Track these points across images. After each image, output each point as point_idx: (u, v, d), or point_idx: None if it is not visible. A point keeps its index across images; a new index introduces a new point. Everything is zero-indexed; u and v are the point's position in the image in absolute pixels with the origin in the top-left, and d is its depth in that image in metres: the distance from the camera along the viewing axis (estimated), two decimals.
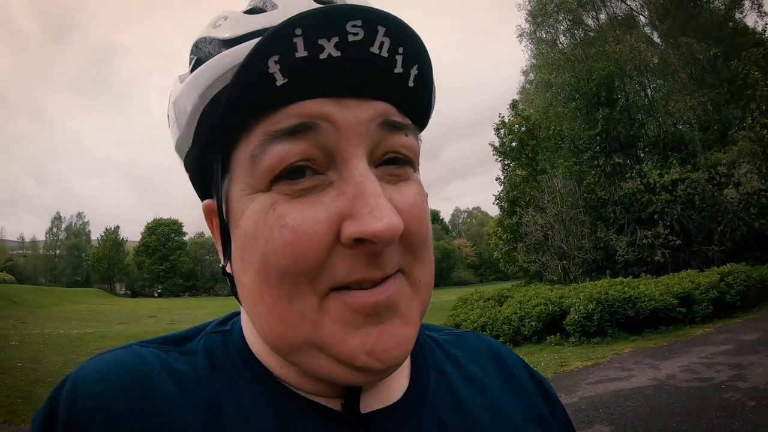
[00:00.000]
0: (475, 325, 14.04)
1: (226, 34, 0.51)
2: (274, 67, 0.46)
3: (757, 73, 21.49)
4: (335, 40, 0.46)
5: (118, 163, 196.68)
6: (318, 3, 0.50)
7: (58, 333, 19.76)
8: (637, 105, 26.07)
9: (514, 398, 0.71)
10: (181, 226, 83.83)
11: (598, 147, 24.52)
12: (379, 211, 0.46)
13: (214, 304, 44.36)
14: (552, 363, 10.04)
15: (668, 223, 21.03)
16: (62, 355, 13.39)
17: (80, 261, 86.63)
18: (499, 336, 13.27)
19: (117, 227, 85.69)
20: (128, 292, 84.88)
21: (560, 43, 27.92)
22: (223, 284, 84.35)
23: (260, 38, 0.46)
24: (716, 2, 26.66)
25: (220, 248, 0.59)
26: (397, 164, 0.53)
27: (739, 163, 19.92)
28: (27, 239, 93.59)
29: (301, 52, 0.45)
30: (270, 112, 0.48)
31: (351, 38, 0.46)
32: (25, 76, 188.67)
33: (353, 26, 0.46)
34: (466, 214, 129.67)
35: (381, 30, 0.47)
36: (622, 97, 25.29)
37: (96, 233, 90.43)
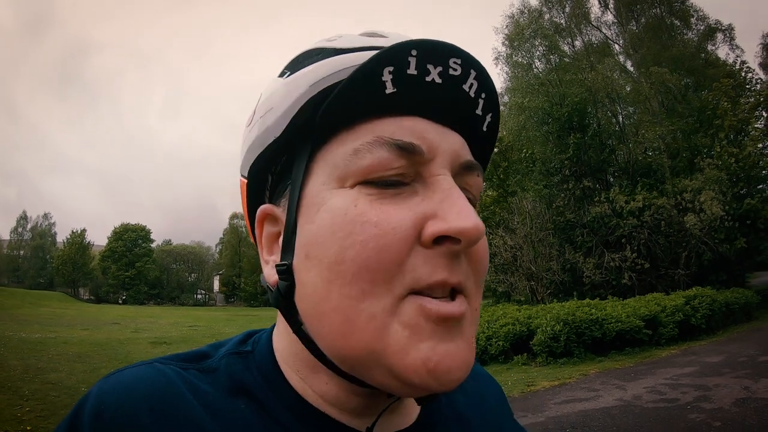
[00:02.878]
0: None
1: (344, 45, 0.56)
2: (387, 76, 0.50)
3: (726, 103, 22.05)
4: (439, 69, 0.51)
5: (86, 164, 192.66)
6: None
7: (19, 336, 19.01)
8: (608, 131, 26.40)
9: (507, 417, 0.77)
10: (149, 232, 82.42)
11: (568, 171, 24.82)
12: (467, 211, 0.49)
13: (179, 314, 43.95)
14: (519, 383, 9.98)
15: (635, 247, 21.33)
16: (22, 360, 12.84)
17: (45, 263, 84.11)
18: None
19: (83, 230, 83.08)
20: (92, 297, 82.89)
21: (535, 67, 28.30)
22: (189, 294, 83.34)
23: (380, 50, 0.51)
24: (689, 34, 27.51)
25: (270, 255, 0.60)
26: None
27: (704, 189, 20.26)
28: None
29: (411, 70, 0.50)
30: (375, 117, 0.52)
31: (451, 71, 0.52)
32: None
33: (454, 62, 0.52)
34: None
35: (473, 73, 0.53)
36: (594, 123, 25.62)
37: (62, 235, 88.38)
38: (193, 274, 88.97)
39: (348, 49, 0.55)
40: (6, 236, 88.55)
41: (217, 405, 0.55)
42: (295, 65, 0.59)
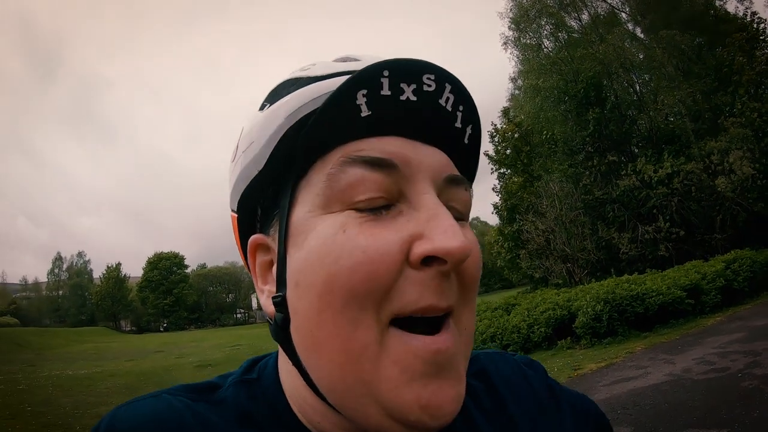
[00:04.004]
0: (483, 336, 13.88)
1: (318, 73, 0.57)
2: (361, 99, 0.50)
3: (741, 58, 21.57)
4: (413, 86, 0.51)
5: (113, 199, 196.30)
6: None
7: (67, 374, 19.42)
8: (627, 102, 26.01)
9: (528, 416, 0.71)
10: (182, 258, 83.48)
11: (591, 147, 24.56)
12: (453, 230, 0.48)
13: (221, 335, 44.37)
14: (565, 368, 9.92)
15: (668, 216, 21.05)
16: (72, 397, 13.19)
17: (84, 300, 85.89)
18: (509, 345, 13.16)
19: (118, 264, 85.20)
20: (134, 328, 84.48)
21: (545, 47, 28.00)
22: (228, 315, 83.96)
23: (352, 74, 0.51)
24: None
25: (265, 284, 0.59)
26: (455, 213, 0.55)
27: (731, 150, 19.88)
28: (29, 281, 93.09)
29: (385, 91, 0.51)
30: (351, 139, 0.52)
31: (425, 88, 0.52)
32: (12, 115, 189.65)
33: (428, 78, 0.52)
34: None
35: (448, 87, 0.53)
36: (611, 95, 25.30)
37: (98, 271, 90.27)
38: (230, 295, 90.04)
39: (322, 76, 0.56)
40: (44, 278, 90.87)
41: None
42: (273, 97, 0.60)
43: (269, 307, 0.57)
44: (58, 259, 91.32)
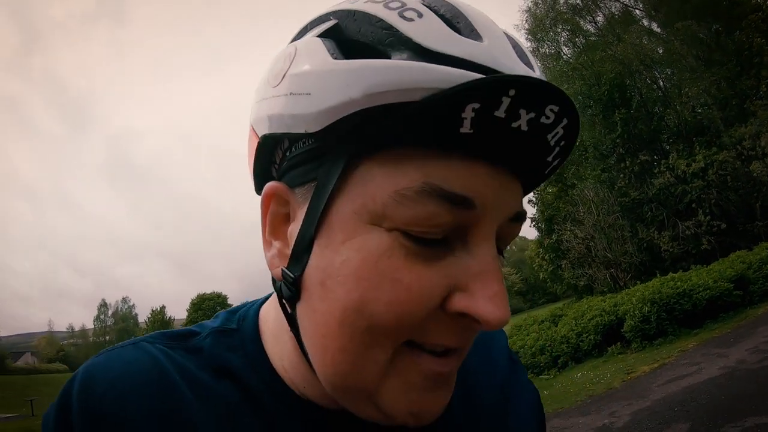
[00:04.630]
0: (533, 349, 13.71)
1: (423, 40, 0.44)
2: (468, 113, 0.41)
3: (760, 39, 21.26)
4: (532, 115, 0.42)
5: (153, 245, 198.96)
6: (518, 57, 0.47)
7: None
8: (652, 99, 25.76)
9: (489, 384, 0.73)
10: (225, 298, 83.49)
11: (621, 149, 24.30)
12: (501, 300, 0.45)
13: None
14: (618, 373, 9.80)
15: (707, 210, 20.65)
16: None
17: None
18: (559, 356, 13.03)
19: (163, 307, 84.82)
20: None
21: (564, 54, 28.02)
22: None
23: (474, 80, 0.41)
24: None
25: (274, 238, 0.54)
26: (500, 251, 0.52)
27: (762, 133, 19.53)
28: (76, 328, 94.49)
29: (500, 113, 0.41)
30: (430, 152, 0.43)
31: (543, 120, 0.43)
32: (51, 170, 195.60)
33: (550, 110, 0.43)
34: None
35: (564, 122, 0.44)
36: (635, 94, 25.10)
37: (142, 315, 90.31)
38: None
39: (430, 52, 0.43)
40: (90, 325, 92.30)
41: (202, 386, 0.55)
42: (345, 30, 0.48)
43: (275, 268, 0.53)
44: (104, 306, 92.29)
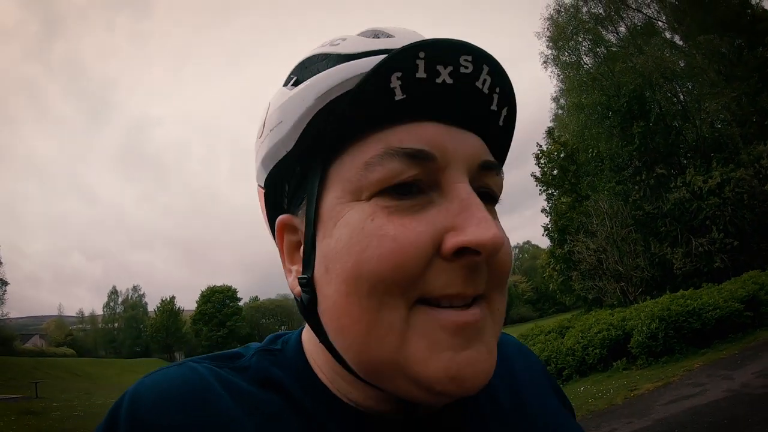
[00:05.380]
0: None
1: (349, 50, 0.56)
2: (395, 83, 0.49)
3: None
4: (450, 68, 0.50)
5: (165, 234, 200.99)
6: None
7: None
8: (671, 113, 25.47)
9: (541, 393, 0.75)
10: (235, 291, 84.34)
11: (638, 162, 24.13)
12: (486, 223, 0.48)
13: None
14: (621, 389, 9.70)
15: (722, 227, 20.45)
16: None
17: (138, 332, 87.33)
18: (564, 368, 12.99)
19: (173, 297, 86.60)
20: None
21: (585, 63, 27.79)
22: None
23: (387, 55, 0.49)
24: None
25: (292, 264, 0.60)
26: (487, 200, 0.56)
27: None
28: (86, 314, 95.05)
29: (420, 73, 0.49)
30: (386, 125, 0.51)
31: (462, 70, 0.50)
32: (67, 156, 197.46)
33: (465, 60, 0.50)
34: (517, 249, 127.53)
35: (485, 68, 0.52)
36: (654, 107, 24.81)
37: (152, 305, 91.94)
38: (283, 327, 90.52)
39: (353, 54, 0.55)
40: (99, 311, 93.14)
41: (249, 399, 0.57)
42: (300, 72, 0.59)
43: (296, 287, 0.58)
44: (114, 293, 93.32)
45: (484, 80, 0.52)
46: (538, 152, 35.01)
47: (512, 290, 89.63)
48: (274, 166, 0.59)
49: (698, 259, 20.73)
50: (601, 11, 27.69)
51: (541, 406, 0.72)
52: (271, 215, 0.64)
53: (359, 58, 0.54)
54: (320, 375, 0.61)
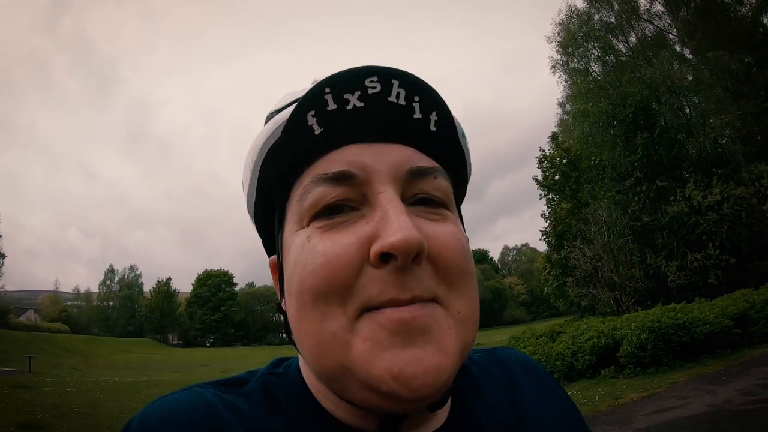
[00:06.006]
0: None
1: (279, 105, 0.65)
2: (311, 120, 0.55)
3: None
4: (357, 93, 0.55)
5: (164, 216, 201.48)
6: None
7: (113, 381, 20.35)
8: (676, 126, 25.29)
9: (546, 407, 0.75)
10: (231, 277, 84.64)
11: (640, 172, 24.14)
12: (399, 225, 0.50)
13: (266, 353, 44.54)
14: (606, 397, 9.84)
15: (718, 243, 20.51)
16: (118, 402, 13.81)
17: (133, 312, 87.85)
18: (553, 372, 12.94)
19: (169, 279, 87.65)
20: (181, 342, 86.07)
21: (593, 71, 27.72)
22: (274, 333, 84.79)
23: (298, 98, 0.58)
24: (743, 10, 25.98)
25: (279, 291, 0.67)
26: (430, 205, 0.58)
27: None
28: (81, 291, 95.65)
29: (331, 106, 0.55)
30: (315, 158, 0.57)
31: (370, 91, 0.55)
32: (69, 132, 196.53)
33: (371, 81, 0.55)
34: (515, 251, 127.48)
35: (395, 83, 0.56)
36: (660, 119, 24.76)
37: (148, 285, 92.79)
38: (277, 314, 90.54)
39: (280, 108, 0.64)
40: (95, 289, 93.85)
41: (254, 423, 0.59)
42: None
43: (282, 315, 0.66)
44: (111, 272, 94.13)
45: (398, 93, 0.56)
46: (541, 156, 34.97)
47: (507, 292, 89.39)
48: (256, 219, 0.69)
49: (693, 273, 20.80)
50: (612, 20, 27.61)
51: (543, 422, 0.72)
52: (270, 254, 0.72)
53: (284, 109, 0.62)
54: (317, 396, 0.64)
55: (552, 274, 32.29)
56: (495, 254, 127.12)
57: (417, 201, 0.57)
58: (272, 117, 0.65)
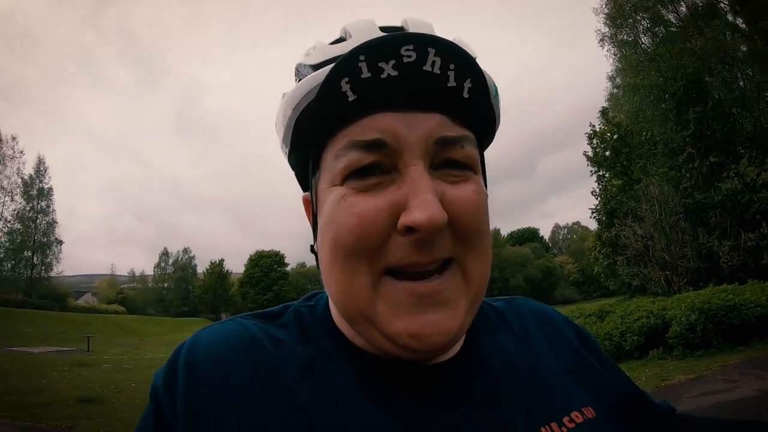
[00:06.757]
0: None
1: (313, 61, 0.65)
2: (345, 87, 0.56)
3: None
4: (392, 62, 0.55)
5: (216, 198, 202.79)
6: (383, 31, 0.63)
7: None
8: (729, 99, 24.52)
9: (556, 354, 0.79)
10: (283, 257, 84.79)
11: (692, 148, 23.53)
12: (424, 204, 0.55)
13: None
14: (653, 378, 9.78)
15: None
16: None
17: (187, 293, 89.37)
18: None
19: (221, 260, 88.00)
20: None
21: (642, 43, 27.01)
22: None
23: (333, 65, 0.58)
24: None
25: (313, 231, 0.72)
26: (456, 167, 0.61)
27: None
28: (137, 274, 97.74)
29: (365, 74, 0.55)
30: (348, 123, 0.59)
31: (406, 60, 0.55)
32: (120, 120, 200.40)
33: (406, 50, 0.55)
34: (566, 229, 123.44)
35: (431, 51, 0.56)
36: (713, 92, 24.05)
37: (201, 266, 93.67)
38: None
39: (316, 65, 0.64)
40: (150, 271, 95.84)
41: (290, 351, 0.66)
42: (295, 81, 0.68)
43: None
44: (165, 254, 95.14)
45: (433, 62, 0.56)
46: (591, 132, 34.37)
47: (558, 271, 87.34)
48: (287, 157, 0.72)
49: (746, 253, 20.36)
50: None
51: (549, 364, 0.77)
52: (304, 190, 0.77)
53: (320, 67, 0.63)
54: (342, 328, 0.70)
55: (602, 253, 31.87)
56: (545, 232, 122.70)
57: (443, 164, 0.61)
58: (303, 71, 0.67)
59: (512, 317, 0.84)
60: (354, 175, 0.59)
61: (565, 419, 0.68)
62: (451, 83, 0.58)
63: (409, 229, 0.56)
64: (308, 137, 0.64)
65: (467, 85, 0.59)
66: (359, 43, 0.57)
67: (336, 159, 0.60)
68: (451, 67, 0.57)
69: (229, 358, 0.63)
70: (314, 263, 0.73)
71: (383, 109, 0.58)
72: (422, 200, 0.55)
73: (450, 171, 0.61)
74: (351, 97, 0.56)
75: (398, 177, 0.58)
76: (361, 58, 0.55)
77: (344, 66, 0.56)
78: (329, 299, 0.74)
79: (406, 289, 0.58)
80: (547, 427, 0.66)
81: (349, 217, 0.58)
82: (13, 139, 54.16)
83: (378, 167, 0.59)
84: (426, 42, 0.56)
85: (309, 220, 0.74)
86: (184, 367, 0.63)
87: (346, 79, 0.56)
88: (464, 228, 0.60)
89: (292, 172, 0.77)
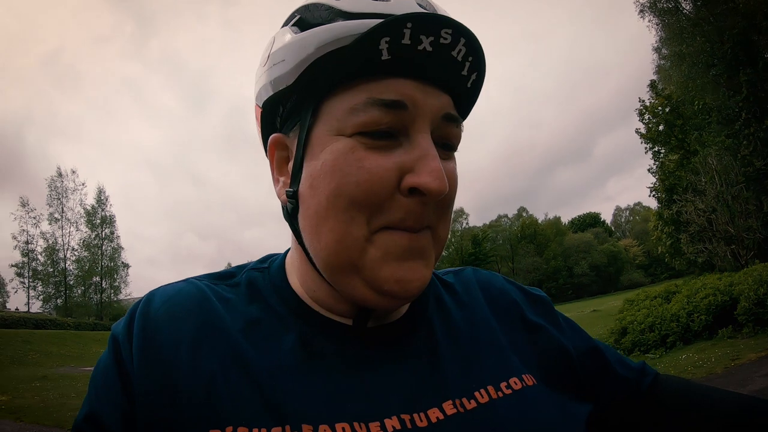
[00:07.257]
0: (642, 326, 13.20)
1: (348, 8, 0.64)
2: (383, 45, 0.58)
3: None
4: (431, 39, 0.59)
5: (273, 211, 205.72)
6: (419, 5, 0.65)
7: None
8: None
9: (501, 321, 0.83)
10: None
11: (746, 113, 22.42)
12: (436, 172, 0.60)
13: None
14: (723, 358, 9.48)
15: None
16: None
17: None
18: (668, 335, 12.51)
19: None
20: None
21: (683, 8, 25.59)
22: None
23: (381, 21, 0.58)
24: None
25: (280, 176, 0.73)
26: (446, 148, 0.67)
27: None
28: None
29: (406, 40, 0.58)
30: (371, 78, 0.61)
31: (442, 41, 0.60)
32: (175, 145, 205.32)
33: (445, 32, 0.59)
34: (627, 211, 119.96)
35: (462, 41, 0.61)
36: (763, 52, 22.58)
37: None
38: None
39: (353, 14, 0.63)
40: None
41: (237, 308, 0.71)
42: (304, 15, 0.68)
43: (282, 195, 0.72)
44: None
45: (460, 50, 0.61)
46: (642, 107, 33.44)
47: (623, 255, 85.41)
48: (274, 94, 0.69)
49: None
50: None
51: (492, 331, 0.80)
52: (265, 132, 0.76)
53: (357, 18, 0.62)
54: (295, 287, 0.75)
55: (665, 232, 30.96)
56: (607, 216, 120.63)
57: (438, 139, 0.66)
58: (322, 14, 0.66)
59: (459, 286, 0.88)
60: (367, 132, 0.62)
61: (503, 384, 0.71)
62: (464, 72, 0.64)
63: (413, 191, 0.61)
64: (323, 81, 0.64)
65: (473, 77, 0.66)
66: (402, 11, 0.62)
67: (352, 112, 0.62)
68: (470, 59, 0.63)
69: (179, 312, 0.68)
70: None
71: (407, 76, 0.61)
72: (433, 168, 0.60)
73: (442, 151, 0.67)
74: (384, 57, 0.59)
75: (406, 141, 0.63)
76: (408, 25, 0.58)
77: (390, 27, 0.58)
78: (288, 258, 0.80)
79: (401, 239, 0.63)
80: (483, 390, 0.70)
81: (358, 171, 0.61)
82: (73, 172, 56.48)
83: (387, 132, 0.62)
84: (461, 31, 0.60)
85: (272, 163, 0.75)
86: (139, 317, 0.67)
87: (387, 39, 0.58)
88: (445, 201, 0.66)
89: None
